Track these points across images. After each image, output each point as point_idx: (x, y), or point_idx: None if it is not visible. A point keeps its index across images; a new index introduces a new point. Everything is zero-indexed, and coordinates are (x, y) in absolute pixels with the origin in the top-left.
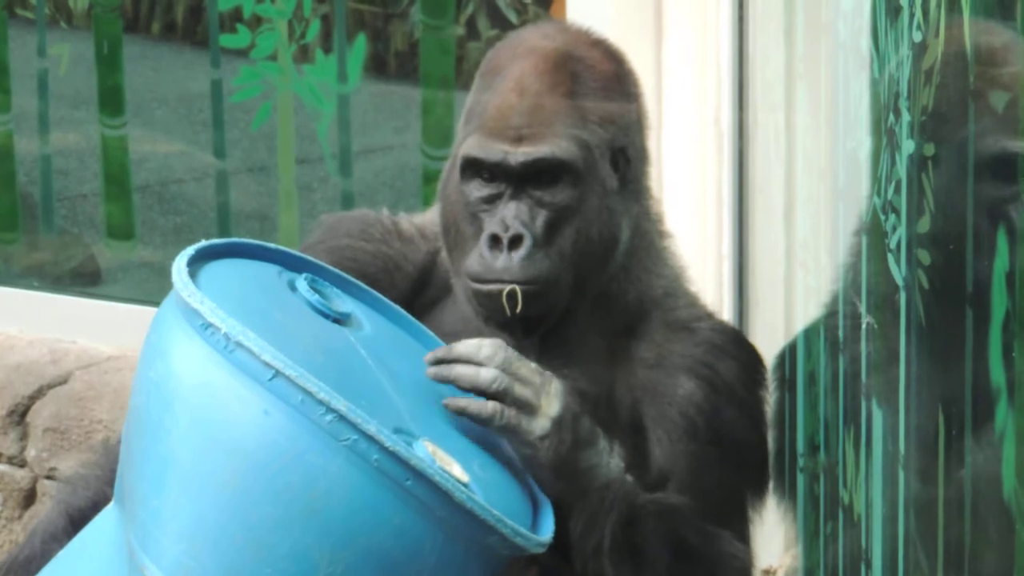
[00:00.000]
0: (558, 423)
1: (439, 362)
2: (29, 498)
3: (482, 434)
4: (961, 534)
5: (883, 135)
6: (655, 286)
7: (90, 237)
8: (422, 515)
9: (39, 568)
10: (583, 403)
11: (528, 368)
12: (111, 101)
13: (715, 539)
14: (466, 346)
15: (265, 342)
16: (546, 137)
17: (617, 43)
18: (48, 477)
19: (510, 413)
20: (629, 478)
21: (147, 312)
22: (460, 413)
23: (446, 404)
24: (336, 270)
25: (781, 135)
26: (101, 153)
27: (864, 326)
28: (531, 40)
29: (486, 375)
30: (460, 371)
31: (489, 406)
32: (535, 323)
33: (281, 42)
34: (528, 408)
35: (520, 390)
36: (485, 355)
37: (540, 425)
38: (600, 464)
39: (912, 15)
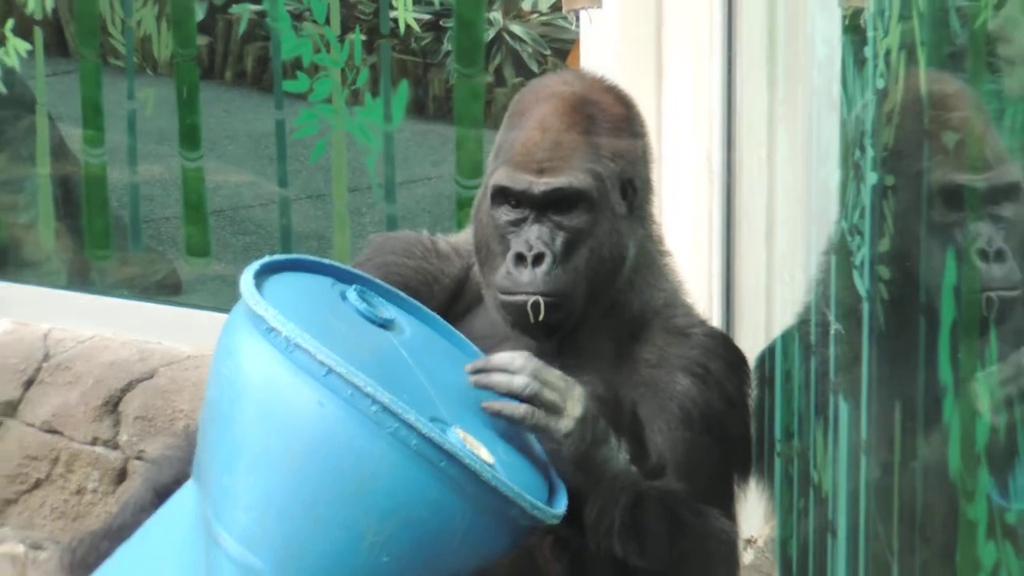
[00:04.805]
0: (581, 423)
1: (478, 371)
2: (121, 476)
3: (506, 425)
4: (913, 509)
5: (850, 168)
6: (656, 298)
7: (172, 254)
8: (454, 491)
9: (130, 535)
10: (599, 406)
11: (555, 376)
12: (190, 138)
13: (706, 516)
14: (501, 358)
15: (320, 344)
16: (565, 169)
17: (625, 89)
18: (137, 458)
19: (539, 414)
20: (634, 469)
21: (221, 318)
22: (496, 414)
23: (485, 407)
24: (382, 282)
25: (763, 168)
26: (181, 182)
27: (832, 332)
28: (553, 86)
29: (519, 381)
30: (496, 379)
31: (521, 408)
32: (554, 329)
33: (335, 87)
34: (555, 410)
35: (548, 394)
36: (518, 365)
37: (565, 424)
38: (611, 458)
39: (876, 65)
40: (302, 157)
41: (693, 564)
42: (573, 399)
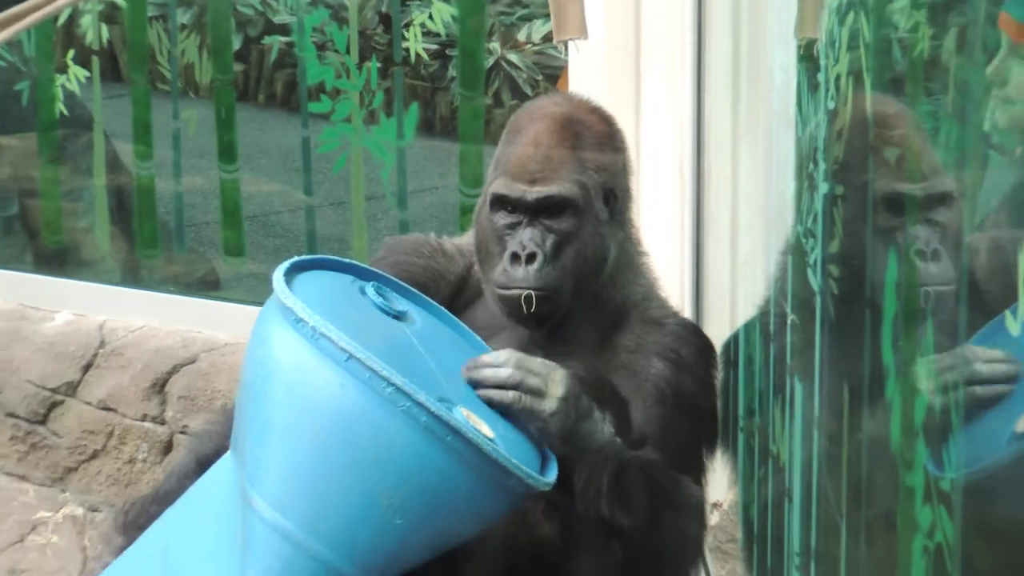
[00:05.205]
0: (564, 401)
1: (470, 368)
2: (167, 448)
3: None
4: (859, 477)
5: (804, 179)
6: (635, 292)
7: (211, 254)
8: (459, 462)
9: (176, 499)
10: (582, 385)
11: (537, 363)
12: (227, 152)
13: (679, 483)
14: (489, 357)
15: (342, 333)
16: (554, 180)
17: (608, 109)
18: (181, 432)
19: (526, 399)
20: (617, 440)
21: (254, 310)
22: (488, 401)
23: (478, 394)
24: (395, 279)
25: (728, 180)
26: (220, 192)
27: (789, 322)
28: (544, 107)
29: (503, 373)
30: (485, 374)
31: (509, 395)
32: (545, 319)
33: (354, 108)
34: (539, 393)
35: (531, 381)
36: (503, 360)
37: (549, 405)
38: (596, 432)
39: (827, 89)
40: (325, 170)
41: (668, 524)
42: (555, 382)
